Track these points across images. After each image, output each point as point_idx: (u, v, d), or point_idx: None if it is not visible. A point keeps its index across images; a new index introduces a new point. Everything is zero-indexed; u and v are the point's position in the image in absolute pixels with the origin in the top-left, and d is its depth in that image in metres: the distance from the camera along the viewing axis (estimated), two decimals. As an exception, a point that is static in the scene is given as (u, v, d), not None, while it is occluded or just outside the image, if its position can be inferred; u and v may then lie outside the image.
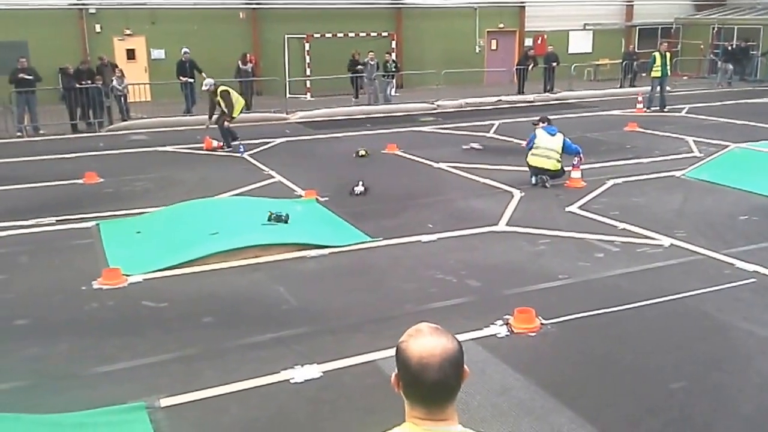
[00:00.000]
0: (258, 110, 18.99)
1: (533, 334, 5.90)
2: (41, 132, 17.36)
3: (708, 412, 4.74)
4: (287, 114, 19.53)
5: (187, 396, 4.96)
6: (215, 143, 14.71)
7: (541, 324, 6.01)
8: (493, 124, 17.46)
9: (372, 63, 21.92)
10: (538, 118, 11.78)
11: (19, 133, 17.08)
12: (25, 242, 8.59)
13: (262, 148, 14.81)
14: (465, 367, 1.89)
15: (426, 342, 1.86)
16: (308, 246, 8.11)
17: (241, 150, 14.22)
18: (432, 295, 6.83)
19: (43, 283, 7.21)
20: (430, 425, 1.87)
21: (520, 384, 5.10)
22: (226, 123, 14.64)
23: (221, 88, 14.71)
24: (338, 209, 9.76)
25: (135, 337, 6.00)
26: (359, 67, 21.94)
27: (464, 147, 14.46)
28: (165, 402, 4.84)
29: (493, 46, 27.81)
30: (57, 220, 9.41)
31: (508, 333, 5.90)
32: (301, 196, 10.58)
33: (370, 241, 8.44)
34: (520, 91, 23.21)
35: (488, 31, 27.50)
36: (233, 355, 5.66)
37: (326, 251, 8.06)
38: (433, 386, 1.84)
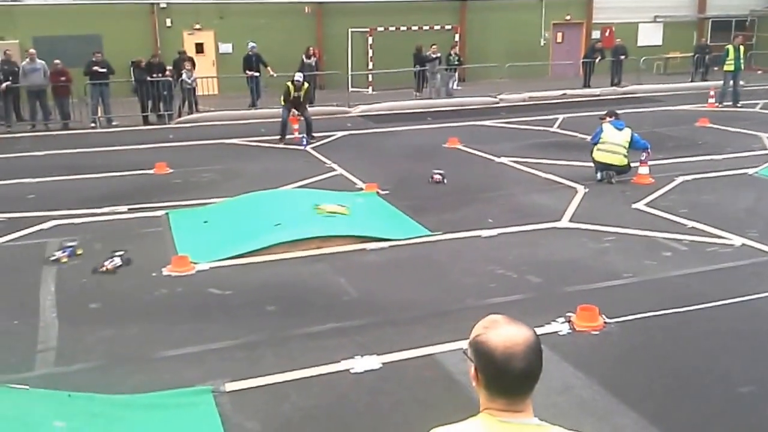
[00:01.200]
0: (321, 104, 19.18)
1: (596, 332, 5.82)
2: (114, 123, 17.93)
3: (778, 417, 4.60)
4: (349, 107, 19.66)
5: (251, 381, 5.09)
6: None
7: (605, 322, 5.92)
8: (557, 119, 17.21)
9: (435, 56, 21.85)
10: (605, 112, 11.56)
11: (93, 124, 17.67)
12: (99, 229, 8.91)
13: (324, 141, 14.97)
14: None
15: (507, 332, 1.86)
16: (369, 239, 8.18)
17: (304, 143, 14.41)
18: (492, 290, 6.81)
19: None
20: (507, 417, 1.87)
21: (581, 383, 5.05)
22: (307, 116, 14.91)
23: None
24: (399, 203, 9.80)
25: (202, 323, 6.18)
26: (427, 63, 21.85)
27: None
28: (230, 386, 4.98)
29: (559, 39, 27.38)
30: (129, 209, 9.73)
31: (570, 331, 5.84)
32: (362, 189, 10.66)
33: (430, 235, 8.45)
34: (586, 85, 22.79)
35: (554, 23, 27.09)
36: (295, 343, 5.77)
37: (386, 244, 8.11)
38: (520, 375, 1.83)
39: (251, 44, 20.04)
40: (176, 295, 6.81)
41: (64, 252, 7.75)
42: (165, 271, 7.32)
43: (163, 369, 5.33)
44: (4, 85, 16.97)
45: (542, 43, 26.94)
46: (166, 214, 9.35)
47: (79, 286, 7.07)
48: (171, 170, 12.16)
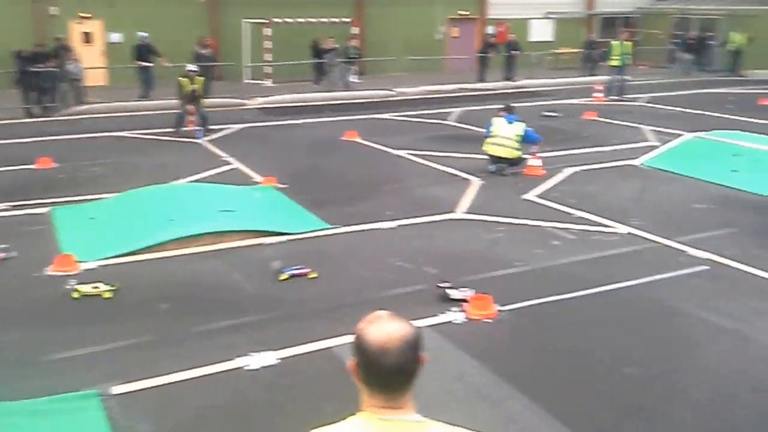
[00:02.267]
0: (216, 95, 18.77)
1: (490, 320, 5.99)
2: (-6, 116, 16.93)
3: (660, 399, 4.88)
4: (246, 100, 19.36)
5: (142, 383, 4.95)
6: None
7: (498, 311, 6.10)
8: (453, 112, 17.55)
9: (330, 48, 21.82)
10: (502, 106, 11.88)
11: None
12: (-24, 228, 8.41)
13: (220, 134, 14.67)
14: (423, 353, 1.91)
15: (385, 327, 1.88)
16: (266, 233, 8.10)
17: (200, 135, 14.08)
18: (390, 282, 6.88)
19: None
20: (386, 414, 1.88)
21: (476, 370, 5.18)
22: (202, 108, 14.56)
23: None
24: (297, 196, 9.74)
25: (90, 324, 5.94)
26: (324, 56, 21.78)
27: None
28: (118, 389, 4.82)
29: (455, 33, 27.88)
30: (9, 206, 9.22)
31: (465, 320, 5.99)
32: (259, 183, 10.53)
33: (329, 228, 8.45)
34: (481, 79, 23.33)
35: (450, 18, 27.55)
36: (190, 342, 5.65)
37: (284, 238, 8.06)
38: (393, 371, 1.85)
39: (142, 34, 19.38)
40: (61, 295, 6.51)
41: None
42: (48, 271, 6.99)
43: (47, 374, 5.10)
44: None
45: (438, 38, 27.34)
46: (51, 210, 8.93)
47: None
48: (56, 165, 11.60)
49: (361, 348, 1.88)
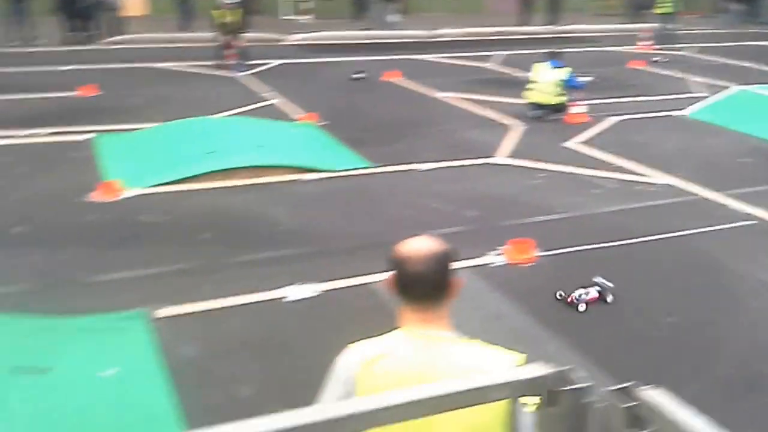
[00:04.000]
0: (255, 30, 18.63)
1: (529, 265, 5.99)
2: (35, 43, 17.02)
3: (699, 349, 4.87)
4: (285, 36, 19.19)
5: (185, 307, 5.06)
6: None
7: (538, 255, 6.09)
8: (494, 55, 17.24)
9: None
10: (548, 51, 11.64)
11: (11, 43, 16.74)
12: (20, 153, 8.55)
13: (259, 69, 14.62)
14: (454, 277, 2.01)
15: (416, 241, 2.03)
16: (305, 169, 8.12)
17: (239, 70, 14.04)
18: (428, 223, 6.86)
19: (39, 194, 7.21)
20: (421, 328, 1.97)
21: (513, 312, 5.21)
22: (241, 42, 14.45)
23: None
24: (336, 134, 9.72)
25: (134, 249, 6.06)
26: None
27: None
28: (163, 312, 4.94)
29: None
30: (52, 132, 9.35)
31: (504, 262, 5.99)
32: (298, 119, 10.51)
33: (367, 167, 8.45)
34: (524, 22, 22.83)
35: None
36: (230, 271, 5.74)
37: (323, 175, 8.07)
38: (418, 278, 1.96)
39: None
40: (106, 221, 6.64)
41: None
42: (92, 197, 7.11)
43: (94, 294, 5.24)
44: None
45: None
46: (94, 138, 9.02)
47: (3, 209, 6.81)
48: (97, 93, 11.69)
49: (395, 262, 2.00)
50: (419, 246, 2.00)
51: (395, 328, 2.02)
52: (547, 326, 5.01)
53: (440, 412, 1.25)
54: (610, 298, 5.36)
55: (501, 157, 9.03)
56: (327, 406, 1.51)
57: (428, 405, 1.23)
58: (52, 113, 10.35)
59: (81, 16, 17.35)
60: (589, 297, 5.35)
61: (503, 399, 1.33)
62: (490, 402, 1.30)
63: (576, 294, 5.34)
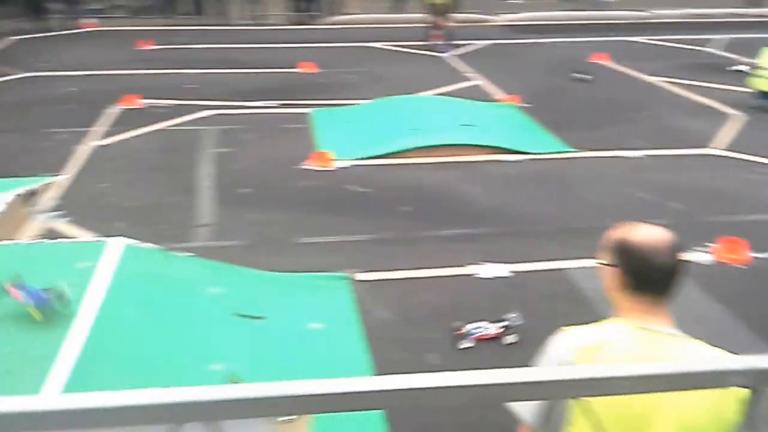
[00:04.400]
0: (464, 11, 18.68)
1: (741, 266, 5.56)
2: (266, 21, 18.32)
3: None
4: (493, 16, 19.05)
5: (383, 274, 5.31)
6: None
7: (752, 257, 5.63)
8: (716, 39, 15.96)
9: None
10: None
11: (246, 21, 18.14)
12: (249, 121, 9.32)
13: (465, 50, 14.68)
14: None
15: (650, 231, 1.88)
16: (506, 150, 8.09)
17: (446, 51, 14.20)
18: (630, 212, 6.57)
19: (263, 159, 7.83)
20: (646, 322, 1.85)
21: (719, 315, 4.89)
22: (449, 22, 14.64)
23: None
24: (539, 117, 9.56)
25: (340, 215, 6.44)
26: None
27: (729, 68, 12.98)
28: (362, 276, 5.21)
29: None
30: (278, 104, 10.08)
31: (713, 261, 5.61)
32: (501, 100, 10.46)
33: (569, 152, 8.25)
34: (753, 4, 20.86)
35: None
36: (426, 244, 5.91)
37: (523, 157, 8.01)
38: (664, 270, 1.83)
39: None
40: (317, 188, 7.10)
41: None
42: (306, 165, 7.60)
43: (303, 253, 5.65)
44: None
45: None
46: (311, 111, 9.61)
47: (232, 171, 7.50)
48: (317, 70, 12.39)
49: (628, 252, 1.86)
50: (656, 235, 1.85)
51: (599, 318, 1.94)
52: (756, 332, 4.65)
53: (673, 390, 1.21)
54: None
55: (717, 149, 8.41)
56: (563, 370, 1.51)
57: (664, 381, 1.20)
58: (278, 87, 11.12)
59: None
60: None
61: (740, 386, 1.25)
62: (726, 387, 1.24)
63: None
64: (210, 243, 5.82)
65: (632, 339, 1.83)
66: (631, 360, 1.79)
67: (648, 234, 1.86)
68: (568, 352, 1.84)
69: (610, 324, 1.91)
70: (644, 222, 1.88)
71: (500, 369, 1.11)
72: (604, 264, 1.92)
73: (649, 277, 1.85)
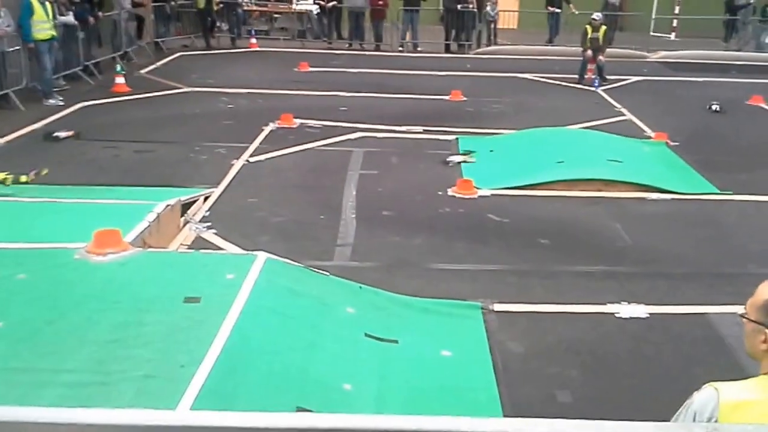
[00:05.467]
0: (618, 45, 18.03)
1: None
2: (419, 48, 18.59)
3: None
4: (648, 52, 18.26)
5: (518, 306, 5.13)
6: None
7: None
8: None
9: (749, 6, 19.32)
10: None
11: (400, 48, 18.50)
12: (396, 145, 9.40)
13: (617, 84, 14.14)
14: None
15: None
16: (651, 188, 7.67)
17: (596, 84, 13.75)
18: (781, 260, 6.05)
19: (407, 183, 7.86)
20: None
21: None
22: (601, 58, 14.21)
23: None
24: (688, 156, 9.00)
25: (478, 244, 6.32)
26: (738, 12, 19.46)
27: None
28: (498, 307, 5.06)
29: None
30: (424, 130, 10.13)
31: None
32: (650, 137, 9.96)
33: (718, 193, 7.70)
34: None
35: None
36: (564, 278, 5.68)
37: (669, 196, 7.55)
38: None
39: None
40: (458, 215, 7.02)
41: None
42: (450, 192, 7.55)
43: (439, 279, 5.57)
44: (331, 4, 18.47)
45: None
46: (457, 138, 9.57)
47: (376, 194, 7.58)
48: (465, 98, 12.36)
49: None
50: None
51: (739, 367, 1.86)
52: None
53: None
54: None
55: None
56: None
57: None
58: (427, 113, 11.13)
59: (459, 27, 18.46)
60: None
61: None
62: None
63: None
64: (349, 263, 5.85)
65: None
66: None
67: None
68: (713, 408, 1.76)
69: (759, 380, 1.80)
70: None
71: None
72: (750, 319, 1.81)
73: None
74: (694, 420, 1.77)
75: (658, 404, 3.94)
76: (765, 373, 1.80)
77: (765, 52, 18.74)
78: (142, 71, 14.27)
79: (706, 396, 1.80)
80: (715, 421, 1.73)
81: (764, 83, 14.47)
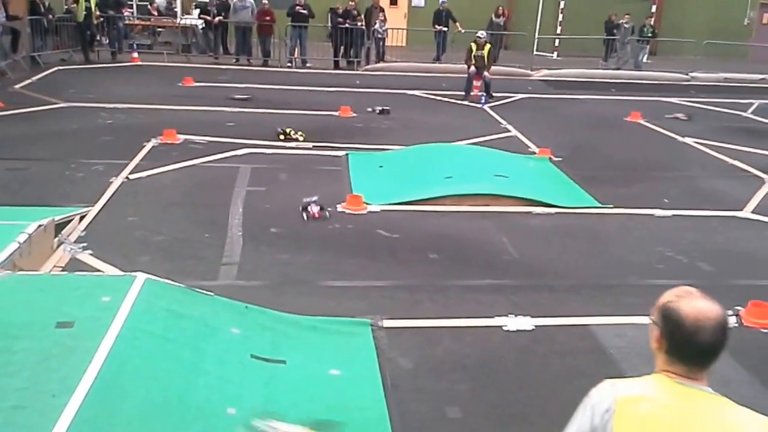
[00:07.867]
0: (503, 64, 18.78)
1: (766, 330, 5.37)
2: (308, 65, 18.63)
3: None
4: (531, 71, 19.13)
5: (407, 322, 5.19)
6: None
7: (778, 322, 5.44)
8: (754, 104, 15.78)
9: (627, 26, 20.70)
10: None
11: (289, 64, 18.48)
12: (285, 161, 9.35)
13: (503, 101, 14.70)
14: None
15: (701, 305, 1.86)
16: (536, 203, 8.00)
17: (483, 101, 14.24)
18: (658, 271, 6.45)
19: (296, 199, 7.80)
20: (683, 381, 1.87)
21: (744, 380, 4.69)
22: (487, 75, 14.71)
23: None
24: (571, 171, 9.47)
25: (368, 260, 6.36)
26: (616, 31, 20.81)
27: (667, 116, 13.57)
28: (387, 323, 5.10)
29: (765, 20, 24.90)
30: (313, 146, 10.13)
31: (737, 324, 5.43)
32: (534, 153, 10.41)
33: (599, 207, 8.12)
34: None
35: (762, 3, 24.64)
36: (453, 293, 5.79)
37: (553, 210, 7.90)
38: (704, 349, 1.84)
39: (443, 0, 19.96)
40: (347, 231, 7.04)
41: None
42: (339, 208, 7.57)
43: (328, 297, 5.55)
44: (217, 18, 18.19)
45: (746, 23, 24.64)
46: (346, 154, 9.63)
47: (263, 210, 7.49)
48: (354, 114, 12.47)
49: (672, 321, 1.86)
50: (704, 313, 1.83)
51: (622, 377, 1.96)
52: (782, 402, 4.44)
53: None
54: None
55: (749, 212, 8.22)
56: None
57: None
58: (318, 129, 11.13)
59: (348, 44, 18.65)
60: None
61: None
62: None
63: None
64: (235, 282, 5.74)
65: (673, 397, 1.84)
66: (674, 417, 1.82)
67: (697, 308, 1.84)
68: (610, 402, 1.87)
69: (651, 379, 1.92)
70: (670, 281, 1.86)
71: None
72: (652, 320, 1.93)
73: (688, 352, 1.85)
74: (592, 413, 1.88)
75: (545, 417, 4.10)
76: (657, 372, 1.93)
77: (642, 71, 20.07)
78: (17, 86, 13.57)
79: (603, 391, 1.92)
80: (612, 414, 1.85)
81: (642, 100, 15.50)
